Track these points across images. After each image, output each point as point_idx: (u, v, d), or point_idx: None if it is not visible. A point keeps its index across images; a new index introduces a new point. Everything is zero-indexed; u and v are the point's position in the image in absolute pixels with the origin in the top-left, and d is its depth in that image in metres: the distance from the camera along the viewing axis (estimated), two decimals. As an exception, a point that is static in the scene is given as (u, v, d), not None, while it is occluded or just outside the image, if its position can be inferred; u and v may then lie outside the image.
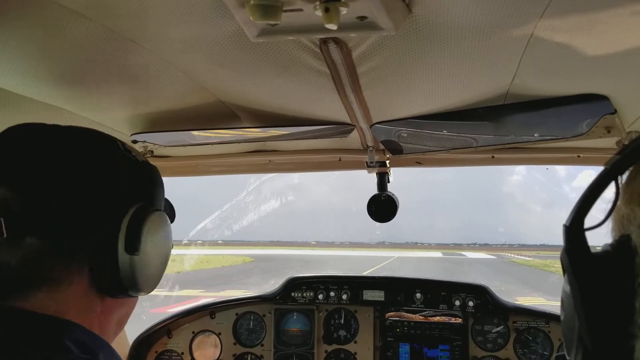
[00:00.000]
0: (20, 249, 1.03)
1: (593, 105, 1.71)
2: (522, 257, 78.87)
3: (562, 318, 1.19)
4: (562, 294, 1.16)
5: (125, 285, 1.13)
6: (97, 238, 1.09)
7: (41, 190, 1.06)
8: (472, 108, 1.83)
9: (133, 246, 1.11)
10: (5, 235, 1.01)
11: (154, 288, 1.23)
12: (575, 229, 1.02)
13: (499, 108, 1.81)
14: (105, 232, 1.10)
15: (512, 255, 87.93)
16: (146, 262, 1.15)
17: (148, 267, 1.16)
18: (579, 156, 2.42)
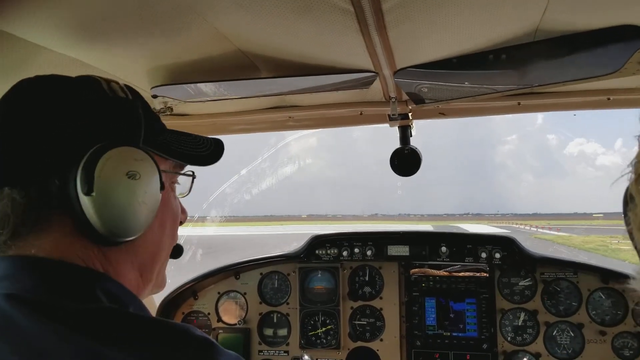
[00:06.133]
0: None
1: (628, 38, 1.64)
2: (549, 232, 60.37)
3: None
4: None
5: (98, 229, 1.08)
6: (61, 181, 1.06)
7: (2, 139, 1.06)
8: (501, 47, 1.76)
9: (88, 187, 1.05)
10: None
11: (136, 231, 1.14)
12: None
13: (528, 46, 1.74)
14: (66, 174, 1.06)
15: (531, 228, 70.94)
16: (105, 203, 1.07)
17: (108, 208, 1.07)
18: (609, 99, 2.34)
